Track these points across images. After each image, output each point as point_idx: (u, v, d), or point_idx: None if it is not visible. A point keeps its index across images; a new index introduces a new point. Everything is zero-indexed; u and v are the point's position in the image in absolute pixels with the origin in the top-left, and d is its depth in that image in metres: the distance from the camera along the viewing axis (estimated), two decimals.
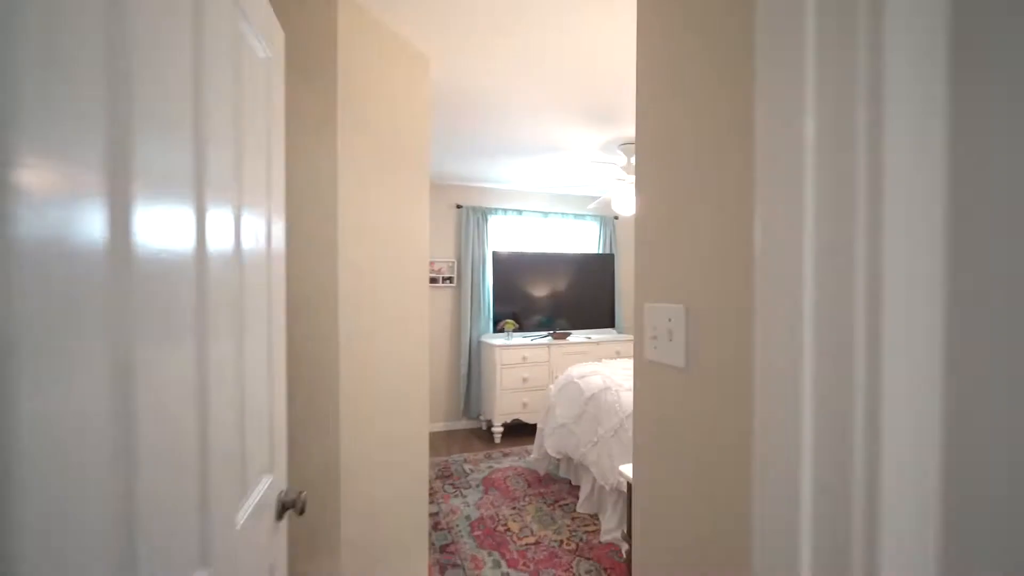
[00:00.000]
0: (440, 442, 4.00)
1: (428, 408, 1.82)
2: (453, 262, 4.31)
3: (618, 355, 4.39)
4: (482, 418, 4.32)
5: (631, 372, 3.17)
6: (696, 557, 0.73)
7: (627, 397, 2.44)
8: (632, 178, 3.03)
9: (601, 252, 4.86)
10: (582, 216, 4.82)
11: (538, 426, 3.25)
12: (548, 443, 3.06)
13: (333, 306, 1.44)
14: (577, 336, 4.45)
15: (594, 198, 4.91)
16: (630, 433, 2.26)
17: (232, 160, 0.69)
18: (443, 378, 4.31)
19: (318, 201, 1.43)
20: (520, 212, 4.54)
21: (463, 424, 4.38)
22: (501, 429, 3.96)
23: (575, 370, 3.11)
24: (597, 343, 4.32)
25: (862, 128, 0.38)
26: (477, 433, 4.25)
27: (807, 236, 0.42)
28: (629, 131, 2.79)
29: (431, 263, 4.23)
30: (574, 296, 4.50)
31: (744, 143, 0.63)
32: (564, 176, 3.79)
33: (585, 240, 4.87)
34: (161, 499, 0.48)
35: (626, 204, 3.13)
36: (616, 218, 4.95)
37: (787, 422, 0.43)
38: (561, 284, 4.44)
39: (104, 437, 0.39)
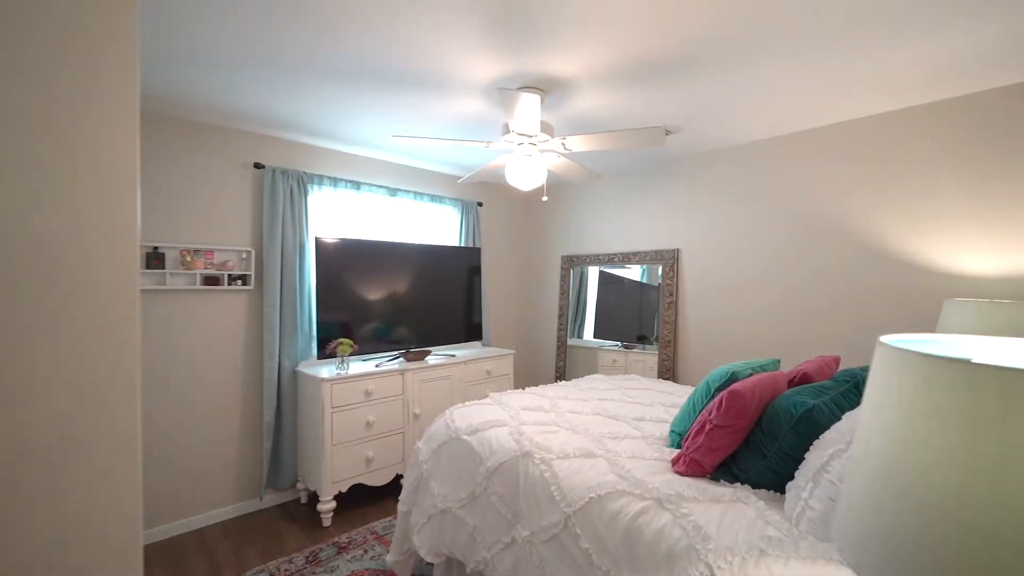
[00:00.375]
0: (223, 543, 2.45)
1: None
2: (249, 252, 2.77)
3: (488, 375, 3.48)
4: (301, 487, 2.89)
5: (548, 414, 2.04)
6: None
7: (567, 472, 1.52)
8: (546, 140, 2.13)
9: (464, 245, 3.88)
10: (440, 199, 3.76)
11: (400, 509, 2.09)
12: (420, 538, 1.94)
13: None
14: (437, 354, 3.38)
15: (456, 177, 3.90)
16: (585, 544, 1.33)
17: None
18: (231, 434, 2.74)
19: None
20: (358, 186, 3.24)
21: (269, 501, 2.87)
22: (333, 504, 2.63)
23: (460, 416, 2.06)
24: (464, 362, 3.33)
25: None
26: (293, 513, 2.80)
27: None
28: (552, 63, 1.87)
29: (207, 253, 2.62)
30: (430, 301, 3.41)
31: None
32: (428, 127, 2.69)
33: (442, 230, 3.82)
34: None
35: (527, 175, 2.22)
36: (480, 204, 4.03)
37: None
38: (413, 286, 3.30)
39: None
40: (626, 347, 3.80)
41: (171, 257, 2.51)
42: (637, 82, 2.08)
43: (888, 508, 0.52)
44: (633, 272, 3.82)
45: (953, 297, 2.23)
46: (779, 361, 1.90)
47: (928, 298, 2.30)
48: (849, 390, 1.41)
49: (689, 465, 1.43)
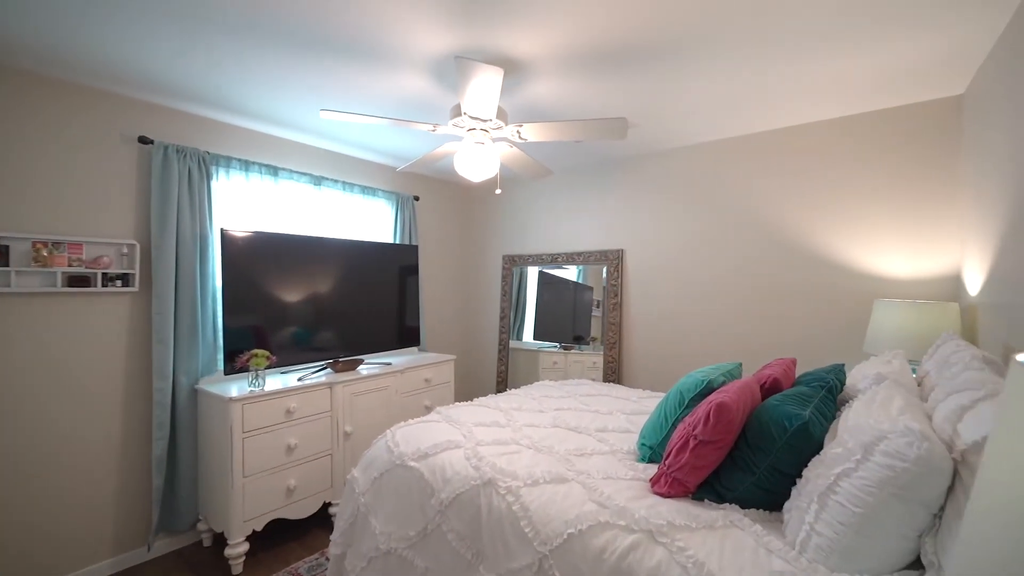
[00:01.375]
0: None
1: None
2: (132, 246, 2.26)
3: (428, 384, 3.20)
4: (203, 528, 2.42)
5: (505, 429, 1.81)
6: None
7: (539, 503, 1.32)
8: (499, 127, 1.91)
9: (399, 242, 3.55)
10: (372, 192, 3.40)
11: (332, 551, 1.77)
12: None
13: None
14: (370, 363, 3.04)
15: (391, 167, 3.57)
16: None
17: None
18: (108, 472, 2.21)
19: None
20: (276, 172, 2.80)
21: (161, 549, 2.36)
22: (245, 546, 2.22)
23: (405, 437, 1.78)
24: (401, 371, 3.02)
25: None
26: (193, 561, 2.33)
27: None
28: (510, 39, 1.66)
29: (71, 246, 2.09)
30: (362, 304, 3.06)
31: None
32: (361, 107, 2.36)
33: (374, 225, 3.47)
34: None
35: (479, 165, 1.99)
36: (417, 198, 3.73)
37: None
38: (342, 287, 2.94)
39: None
40: (564, 348, 3.73)
41: (19, 251, 1.95)
42: (595, 71, 1.94)
43: None
44: (570, 272, 3.76)
45: (879, 298, 2.36)
46: (741, 365, 1.86)
47: (858, 298, 2.42)
48: (826, 397, 1.36)
49: (672, 485, 1.30)
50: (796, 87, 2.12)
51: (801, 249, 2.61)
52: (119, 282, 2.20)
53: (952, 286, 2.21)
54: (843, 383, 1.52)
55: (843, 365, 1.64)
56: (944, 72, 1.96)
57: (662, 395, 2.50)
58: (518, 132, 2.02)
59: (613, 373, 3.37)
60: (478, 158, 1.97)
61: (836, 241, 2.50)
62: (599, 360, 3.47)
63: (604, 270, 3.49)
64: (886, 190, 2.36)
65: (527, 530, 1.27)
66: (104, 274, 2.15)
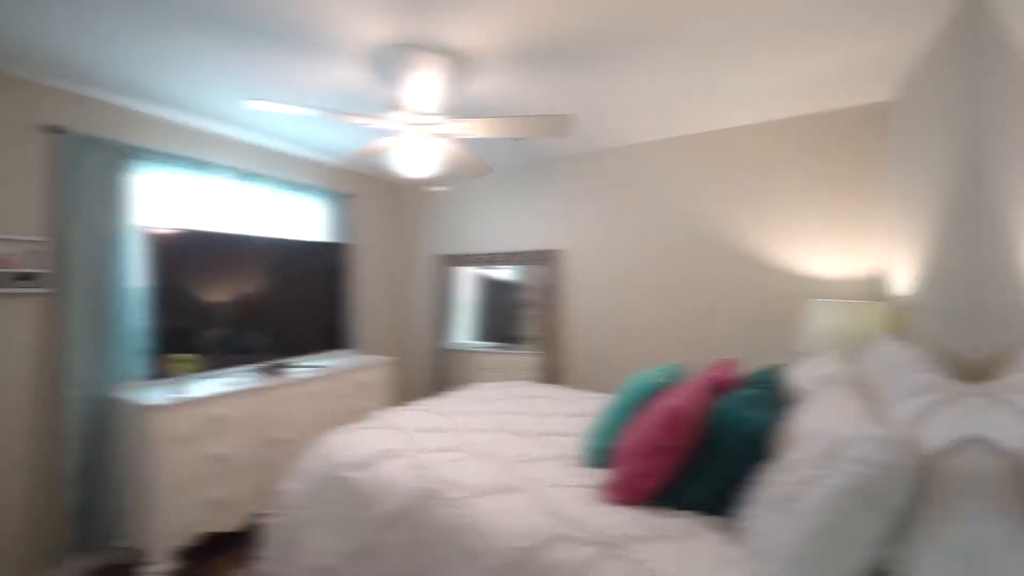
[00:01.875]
0: None
1: None
2: (44, 242, 1.99)
3: (363, 387, 3.02)
4: (123, 546, 2.18)
5: (447, 435, 1.72)
6: None
7: (487, 515, 1.25)
8: (440, 122, 1.80)
9: (332, 241, 3.34)
10: (304, 189, 3.19)
11: (261, 569, 1.63)
12: None
13: None
14: (302, 366, 2.82)
15: (324, 163, 3.37)
16: None
17: None
18: (14, 488, 1.94)
19: None
20: (200, 166, 2.55)
21: (78, 569, 2.10)
22: (169, 562, 2.01)
23: (343, 445, 1.66)
24: (334, 374, 2.83)
25: None
26: None
27: None
28: (453, 30, 1.55)
29: None
30: (293, 306, 2.84)
31: None
32: (292, 99, 2.17)
33: (306, 223, 3.23)
34: None
35: (418, 162, 1.88)
36: (351, 196, 3.53)
37: None
38: (273, 288, 2.72)
39: None
40: (500, 348, 3.65)
41: None
42: (537, 68, 1.90)
43: None
44: (505, 272, 3.69)
45: (811, 298, 2.40)
46: (683, 366, 1.84)
47: (792, 299, 2.46)
48: (775, 400, 1.37)
49: (625, 492, 1.27)
50: (734, 90, 2.15)
51: (737, 250, 2.66)
52: (28, 282, 1.94)
53: (878, 287, 2.30)
54: (787, 384, 1.54)
55: (784, 365, 1.66)
56: (872, 78, 2.02)
57: (602, 396, 2.43)
58: (458, 128, 1.91)
59: (551, 374, 3.32)
60: (416, 154, 1.86)
61: (770, 242, 2.56)
62: (536, 360, 3.41)
63: (541, 270, 3.41)
64: (817, 192, 2.43)
65: (476, 544, 1.20)
66: (13, 273, 1.88)
